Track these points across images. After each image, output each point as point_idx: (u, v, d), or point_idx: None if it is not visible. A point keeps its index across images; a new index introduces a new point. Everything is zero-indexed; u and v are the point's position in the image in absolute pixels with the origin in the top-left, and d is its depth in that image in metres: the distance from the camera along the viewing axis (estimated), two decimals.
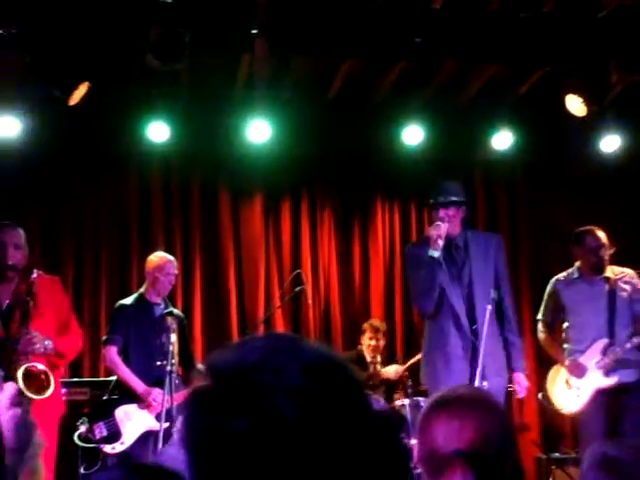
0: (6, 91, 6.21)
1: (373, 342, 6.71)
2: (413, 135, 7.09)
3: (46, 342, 4.45)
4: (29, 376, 4.28)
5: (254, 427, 0.88)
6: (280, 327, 7.34)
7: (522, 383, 4.80)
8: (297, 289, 6.30)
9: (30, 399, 4.14)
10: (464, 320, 4.66)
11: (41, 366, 4.38)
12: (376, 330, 6.74)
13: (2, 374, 3.84)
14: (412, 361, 6.48)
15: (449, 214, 4.76)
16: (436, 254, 4.58)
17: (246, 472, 0.88)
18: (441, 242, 4.59)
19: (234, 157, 7.19)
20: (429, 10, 5.69)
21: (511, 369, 4.77)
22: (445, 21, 5.68)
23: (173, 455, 2.64)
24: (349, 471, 0.90)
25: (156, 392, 5.28)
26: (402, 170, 7.40)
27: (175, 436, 3.08)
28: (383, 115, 7.17)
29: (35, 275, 4.50)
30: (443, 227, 4.62)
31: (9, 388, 2.03)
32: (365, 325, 6.88)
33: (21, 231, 4.60)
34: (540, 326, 5.57)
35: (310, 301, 6.72)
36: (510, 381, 4.80)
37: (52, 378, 4.39)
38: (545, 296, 5.58)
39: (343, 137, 7.30)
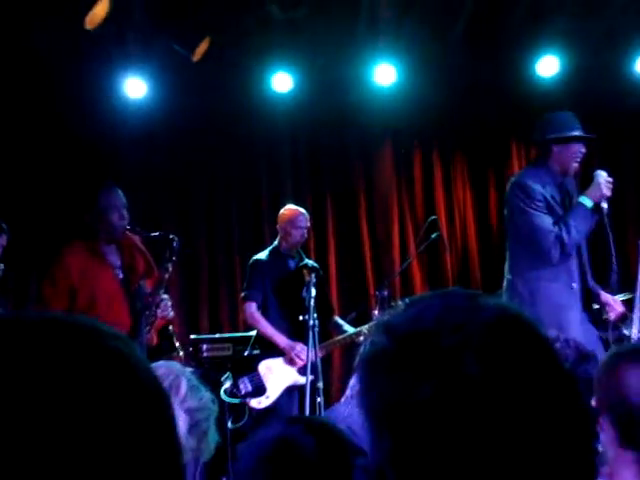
0: (131, 52, 6.29)
1: None
2: (548, 66, 6.88)
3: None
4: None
5: (440, 390, 0.88)
6: (417, 277, 7.32)
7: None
8: (433, 236, 6.13)
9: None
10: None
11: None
12: None
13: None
14: None
15: (583, 152, 4.49)
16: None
17: (433, 436, 0.88)
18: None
19: (360, 104, 7.11)
20: None
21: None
22: None
23: (345, 414, 2.63)
24: (537, 431, 0.89)
25: (300, 346, 5.30)
26: (537, 108, 7.03)
27: (348, 393, 3.02)
28: (515, 47, 6.93)
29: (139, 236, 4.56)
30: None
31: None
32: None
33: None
34: None
35: (447, 248, 6.63)
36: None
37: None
38: None
39: (471, 75, 7.09)
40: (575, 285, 4.44)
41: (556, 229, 4.35)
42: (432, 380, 0.89)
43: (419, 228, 6.96)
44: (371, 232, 7.42)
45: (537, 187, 4.43)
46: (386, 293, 5.70)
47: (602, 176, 4.40)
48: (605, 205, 4.38)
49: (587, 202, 4.39)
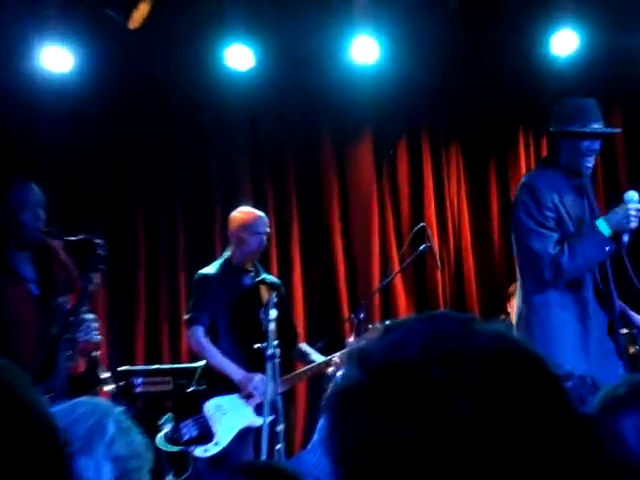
0: (53, 18, 6.24)
1: None
2: (565, 43, 6.96)
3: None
4: None
5: (425, 434, 0.90)
6: (401, 297, 7.36)
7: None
8: (421, 248, 6.14)
9: None
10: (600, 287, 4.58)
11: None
12: None
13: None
14: None
15: (596, 149, 4.51)
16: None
17: None
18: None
19: (335, 85, 7.20)
20: None
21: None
22: None
23: (312, 463, 2.63)
24: None
25: (258, 379, 5.27)
26: (550, 91, 7.18)
27: (316, 437, 3.03)
28: (522, 22, 7.01)
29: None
30: None
31: None
32: (512, 288, 6.43)
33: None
34: None
35: (439, 262, 6.63)
36: None
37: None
38: None
39: (471, 52, 7.17)
40: (591, 316, 4.49)
41: (556, 250, 4.40)
42: (415, 422, 0.90)
43: (404, 237, 7.07)
44: (345, 241, 7.43)
45: (550, 194, 4.49)
46: (363, 316, 5.71)
47: (633, 201, 4.38)
48: (626, 238, 4.38)
49: (605, 229, 4.38)
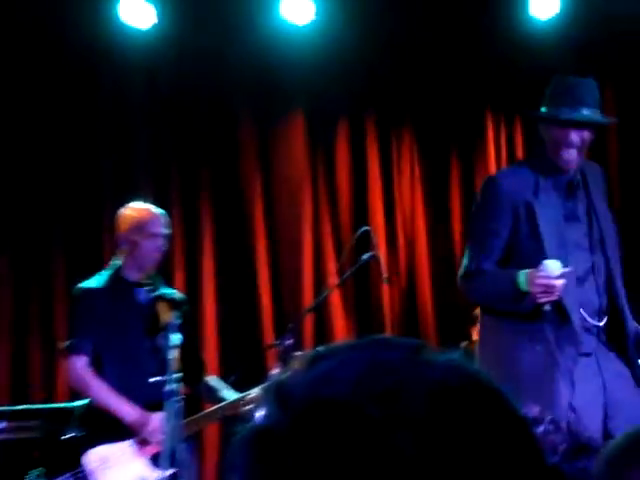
0: None
1: None
2: (545, 5, 7.07)
3: None
4: None
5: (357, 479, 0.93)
6: (338, 317, 7.38)
7: None
8: (364, 257, 6.09)
9: None
10: (595, 306, 4.62)
11: None
12: None
13: None
14: None
15: (584, 138, 4.55)
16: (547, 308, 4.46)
17: None
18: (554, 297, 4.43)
19: (259, 50, 7.25)
20: None
21: None
22: None
23: None
24: None
25: (156, 420, 5.19)
26: (526, 63, 7.31)
27: None
28: None
29: None
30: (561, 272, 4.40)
31: None
32: (477, 310, 6.53)
33: None
34: None
35: (385, 275, 6.53)
36: None
37: None
38: None
39: (428, 14, 7.27)
40: (562, 345, 4.56)
41: (476, 269, 4.56)
42: (345, 466, 0.92)
43: (343, 244, 7.11)
44: (270, 247, 7.44)
45: (512, 197, 4.58)
46: (290, 342, 5.65)
47: (547, 271, 4.41)
48: (548, 308, 4.45)
49: (522, 284, 4.46)
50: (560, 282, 4.33)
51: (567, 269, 4.36)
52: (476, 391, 0.99)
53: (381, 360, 1.00)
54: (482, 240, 4.63)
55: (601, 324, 4.64)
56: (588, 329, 4.62)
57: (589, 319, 4.63)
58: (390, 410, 0.93)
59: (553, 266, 4.35)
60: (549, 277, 4.32)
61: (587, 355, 4.58)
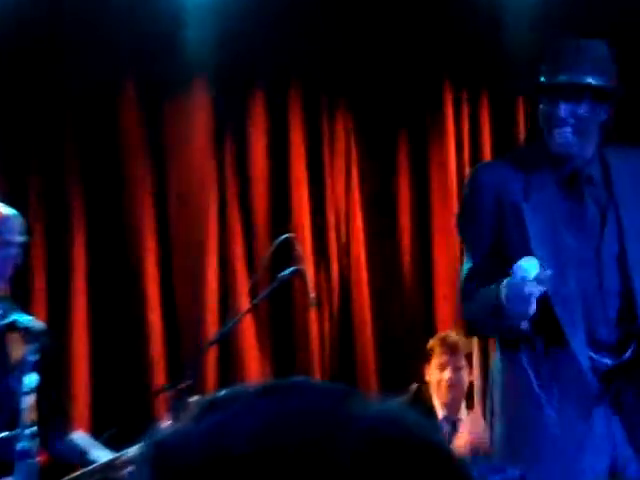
0: None
1: (448, 374, 6.76)
2: None
3: None
4: None
5: None
6: (252, 352, 7.41)
7: None
8: (286, 273, 6.05)
9: None
10: (604, 335, 4.66)
11: None
12: (453, 351, 6.82)
13: None
14: None
15: (577, 114, 4.54)
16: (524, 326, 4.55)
17: None
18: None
19: (153, 10, 7.36)
20: None
21: None
22: None
23: None
24: None
25: None
26: (497, 18, 7.50)
27: None
28: None
29: None
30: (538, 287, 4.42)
31: None
32: (432, 342, 6.88)
33: None
34: None
35: (313, 295, 6.46)
36: None
37: None
38: None
39: None
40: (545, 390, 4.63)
41: (467, 286, 4.70)
42: None
43: (258, 254, 7.15)
44: (162, 262, 7.47)
45: (490, 187, 4.69)
46: (187, 384, 5.62)
47: (529, 274, 4.44)
48: (525, 325, 4.52)
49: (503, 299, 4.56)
50: (536, 288, 4.32)
51: (547, 271, 4.35)
52: (408, 439, 1.06)
53: (291, 409, 1.05)
54: (469, 248, 4.77)
55: (611, 362, 4.64)
56: (597, 368, 4.64)
57: (595, 356, 4.64)
58: (300, 469, 1.00)
59: (527, 266, 4.37)
60: (523, 283, 4.35)
61: (594, 402, 4.60)
